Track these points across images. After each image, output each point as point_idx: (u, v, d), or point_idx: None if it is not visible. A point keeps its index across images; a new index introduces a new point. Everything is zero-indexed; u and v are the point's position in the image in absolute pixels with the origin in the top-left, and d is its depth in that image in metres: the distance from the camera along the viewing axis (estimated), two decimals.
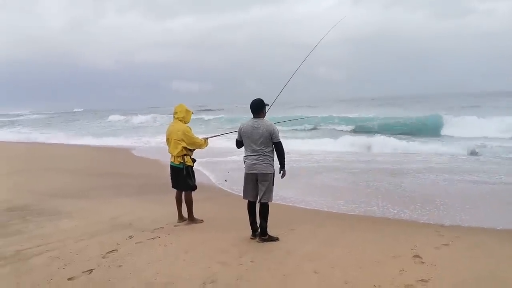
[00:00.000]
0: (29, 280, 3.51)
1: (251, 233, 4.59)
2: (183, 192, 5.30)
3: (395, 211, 5.87)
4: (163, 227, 5.11)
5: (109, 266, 3.80)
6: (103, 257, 4.02)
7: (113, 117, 40.67)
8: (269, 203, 4.45)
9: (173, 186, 5.35)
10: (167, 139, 5.23)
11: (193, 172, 5.26)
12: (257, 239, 4.49)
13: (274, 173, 4.44)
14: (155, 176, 9.53)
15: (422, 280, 3.35)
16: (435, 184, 7.76)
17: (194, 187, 5.27)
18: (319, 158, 11.67)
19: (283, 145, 4.42)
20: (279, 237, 4.53)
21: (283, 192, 6.88)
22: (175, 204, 5.38)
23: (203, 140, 5.29)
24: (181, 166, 5.13)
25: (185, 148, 5.09)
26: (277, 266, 3.72)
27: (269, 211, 4.45)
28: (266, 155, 4.35)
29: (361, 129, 20.63)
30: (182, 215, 5.39)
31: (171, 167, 5.25)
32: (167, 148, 5.27)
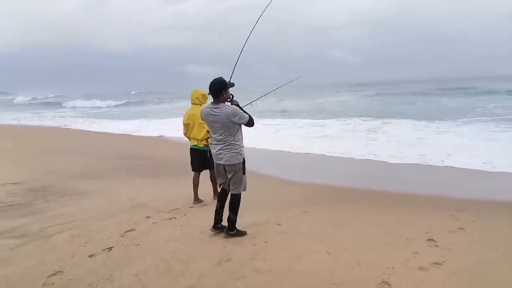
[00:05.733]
0: (53, 256, 3.67)
1: (213, 224, 4.16)
2: (200, 174, 5.43)
3: (413, 192, 5.84)
4: (179, 208, 5.23)
5: (127, 244, 3.93)
6: (121, 236, 4.16)
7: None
8: (241, 193, 4.04)
9: (193, 169, 5.46)
10: (187, 124, 5.31)
11: None
12: (224, 234, 4.07)
13: (244, 161, 3.96)
14: (169, 158, 9.69)
15: (436, 263, 3.35)
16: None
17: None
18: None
19: (253, 120, 3.92)
20: (293, 218, 4.57)
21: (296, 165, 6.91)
22: (192, 186, 5.49)
23: None
24: (207, 149, 5.21)
25: (208, 131, 5.18)
26: (290, 247, 3.78)
27: (239, 203, 4.04)
28: (231, 143, 3.84)
29: None
30: (197, 197, 5.49)
31: (195, 150, 5.36)
32: (188, 132, 5.36)
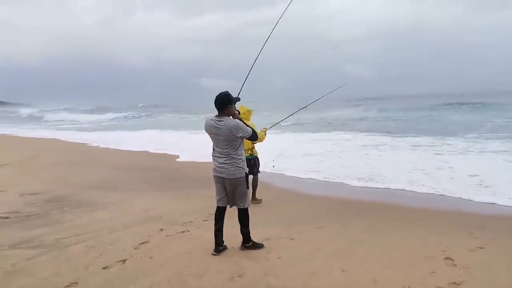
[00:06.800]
0: (68, 267, 3.71)
1: (214, 247, 4.05)
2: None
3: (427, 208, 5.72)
4: (192, 221, 5.24)
5: (141, 257, 3.95)
6: (135, 248, 4.19)
7: None
8: (248, 208, 4.09)
9: None
10: None
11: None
12: (240, 246, 4.15)
13: (246, 175, 3.99)
14: (183, 171, 9.75)
15: (454, 283, 3.26)
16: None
17: (258, 171, 6.20)
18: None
19: (256, 134, 4.05)
20: (306, 233, 4.53)
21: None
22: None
23: (263, 133, 5.41)
24: (251, 157, 5.90)
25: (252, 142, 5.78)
26: (304, 263, 3.73)
27: (248, 216, 4.09)
28: (234, 157, 3.87)
29: None
30: (255, 196, 6.19)
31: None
32: None
